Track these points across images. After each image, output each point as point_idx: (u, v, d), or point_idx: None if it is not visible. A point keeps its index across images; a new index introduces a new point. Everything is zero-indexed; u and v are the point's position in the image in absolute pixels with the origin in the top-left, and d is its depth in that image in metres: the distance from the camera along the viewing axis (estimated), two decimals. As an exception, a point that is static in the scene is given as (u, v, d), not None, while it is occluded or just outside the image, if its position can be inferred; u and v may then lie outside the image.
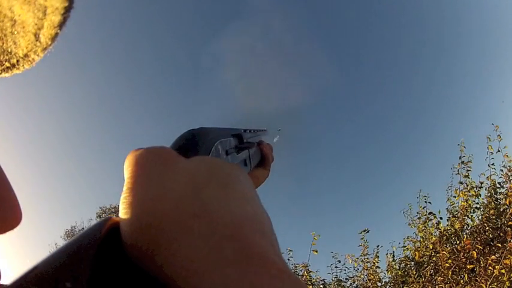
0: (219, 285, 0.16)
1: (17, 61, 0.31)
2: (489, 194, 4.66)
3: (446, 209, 5.06)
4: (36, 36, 0.31)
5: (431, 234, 4.92)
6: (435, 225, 4.97)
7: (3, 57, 0.30)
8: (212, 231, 0.18)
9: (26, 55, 0.31)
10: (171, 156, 0.24)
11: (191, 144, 0.31)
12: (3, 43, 0.29)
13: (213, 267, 0.17)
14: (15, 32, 0.29)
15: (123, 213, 0.20)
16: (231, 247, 0.17)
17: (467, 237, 4.32)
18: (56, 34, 0.32)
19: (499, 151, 4.68)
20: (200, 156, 0.26)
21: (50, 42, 0.32)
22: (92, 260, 0.17)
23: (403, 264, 5.04)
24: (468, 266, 3.98)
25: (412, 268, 4.87)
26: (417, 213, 5.36)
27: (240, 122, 0.55)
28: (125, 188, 0.21)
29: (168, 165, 0.23)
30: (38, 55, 0.32)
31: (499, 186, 4.66)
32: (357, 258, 5.16)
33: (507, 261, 3.47)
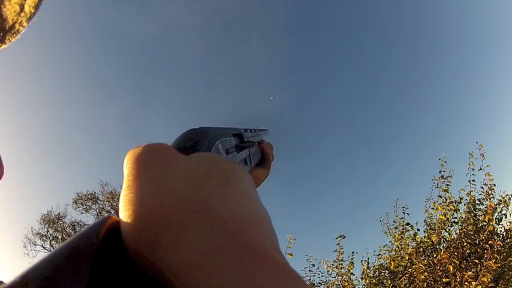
0: (219, 281, 0.16)
1: (3, 35, 0.30)
2: (468, 210, 4.75)
3: (424, 220, 5.13)
4: (21, 7, 0.30)
5: (408, 245, 4.95)
6: (412, 236, 5.01)
7: None
8: (212, 227, 0.18)
9: (11, 27, 0.30)
10: (171, 153, 0.24)
11: (192, 143, 0.31)
12: None
13: (213, 263, 0.16)
14: (2, 6, 0.29)
15: (123, 211, 0.20)
16: (232, 243, 0.17)
17: (444, 251, 4.37)
18: (40, 2, 0.32)
19: (481, 169, 4.78)
20: (200, 153, 0.26)
21: (33, 11, 0.31)
22: (92, 259, 0.17)
23: (378, 273, 5.06)
24: (444, 280, 4.02)
25: (387, 277, 4.89)
26: (394, 221, 5.41)
27: (241, 122, 0.54)
28: (124, 186, 0.21)
29: (168, 162, 0.22)
30: (22, 26, 0.31)
31: (479, 203, 4.76)
32: (332, 264, 5.14)
33: (484, 279, 3.51)
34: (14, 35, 0.31)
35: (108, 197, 13.98)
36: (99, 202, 14.04)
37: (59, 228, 13.67)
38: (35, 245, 13.45)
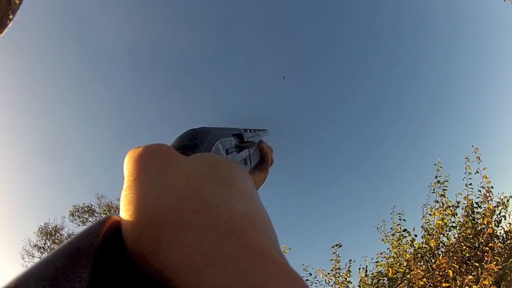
0: (220, 281, 0.16)
1: None
2: (466, 214, 4.67)
3: (421, 226, 5.03)
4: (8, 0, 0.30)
5: (406, 251, 4.84)
6: (409, 242, 4.91)
7: None
8: (212, 227, 0.18)
9: None
10: (171, 153, 0.24)
11: (192, 143, 0.31)
12: None
13: (214, 264, 0.16)
14: None
15: (123, 211, 0.20)
16: (232, 243, 0.17)
17: (442, 256, 4.26)
18: None
19: (477, 172, 4.72)
20: (200, 153, 0.26)
21: (18, 2, 0.33)
22: (92, 259, 0.17)
23: (376, 280, 4.93)
24: (443, 285, 3.90)
25: (386, 284, 4.76)
26: (391, 229, 5.32)
27: (241, 122, 0.53)
28: (125, 186, 0.21)
29: (168, 162, 0.22)
30: (9, 19, 0.33)
31: (477, 206, 4.68)
32: (328, 273, 5.02)
33: (486, 282, 3.40)
34: (1, 30, 0.30)
35: (104, 210, 13.98)
36: (96, 214, 14.03)
37: (56, 241, 13.62)
38: (33, 257, 13.43)
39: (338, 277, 4.96)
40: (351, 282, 4.97)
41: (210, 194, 0.20)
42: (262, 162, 0.57)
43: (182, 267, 0.17)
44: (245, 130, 0.52)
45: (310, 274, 5.27)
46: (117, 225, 0.20)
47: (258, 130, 0.62)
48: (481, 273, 3.62)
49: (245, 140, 0.50)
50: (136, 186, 0.21)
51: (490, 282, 3.43)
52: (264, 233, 0.19)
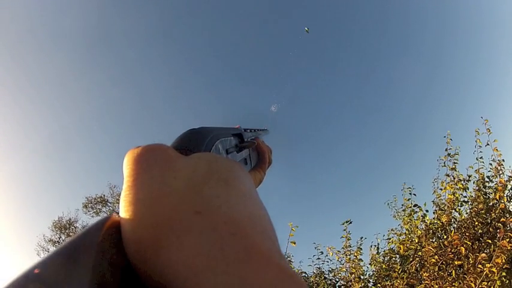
0: (221, 283, 0.16)
1: None
2: (477, 188, 4.56)
3: (433, 201, 4.96)
4: None
5: (417, 228, 4.80)
6: (421, 218, 4.85)
7: None
8: (213, 229, 0.18)
9: None
10: (171, 153, 0.23)
11: (191, 143, 0.30)
12: None
13: (215, 265, 0.16)
14: None
15: (124, 212, 0.20)
16: (233, 245, 0.17)
17: (454, 232, 4.21)
18: None
19: (488, 145, 4.57)
20: (200, 153, 0.25)
21: None
22: (92, 260, 0.17)
23: (388, 257, 4.92)
24: (456, 262, 3.87)
25: (397, 262, 4.75)
26: (402, 205, 5.26)
27: (241, 121, 0.53)
28: (125, 186, 0.21)
29: (168, 162, 0.22)
30: None
31: (488, 180, 4.56)
32: (338, 251, 5.02)
33: (498, 260, 3.36)
34: None
35: (117, 199, 14.09)
36: (109, 205, 14.20)
37: (71, 234, 13.78)
38: (48, 252, 13.54)
39: (349, 255, 4.96)
40: (362, 260, 4.98)
41: (210, 195, 0.20)
42: (259, 161, 0.56)
43: (182, 268, 0.16)
44: (245, 130, 0.52)
45: (322, 252, 5.30)
46: (117, 226, 0.19)
47: (258, 130, 0.61)
48: (494, 250, 3.57)
49: (245, 139, 0.50)
50: (137, 187, 0.20)
51: (503, 260, 3.38)
52: (264, 233, 0.19)
